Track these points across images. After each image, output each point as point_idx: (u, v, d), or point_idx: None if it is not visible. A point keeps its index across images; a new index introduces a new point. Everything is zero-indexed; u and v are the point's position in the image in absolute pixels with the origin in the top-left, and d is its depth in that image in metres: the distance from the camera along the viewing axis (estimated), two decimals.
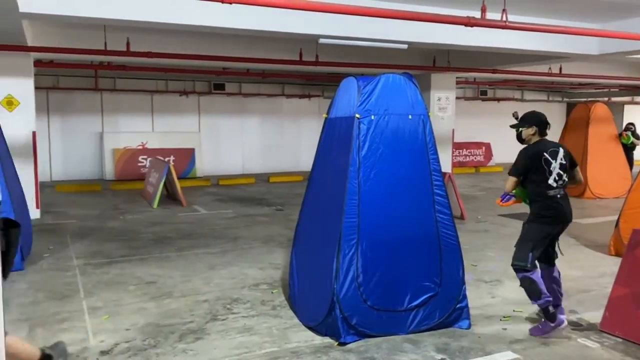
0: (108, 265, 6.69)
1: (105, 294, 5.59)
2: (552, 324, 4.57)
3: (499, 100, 20.52)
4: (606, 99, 21.39)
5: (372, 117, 4.58)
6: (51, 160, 15.30)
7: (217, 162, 17.06)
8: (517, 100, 20.96)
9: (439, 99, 13.34)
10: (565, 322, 4.67)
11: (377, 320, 4.51)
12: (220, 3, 5.38)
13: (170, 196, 12.08)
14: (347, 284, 4.41)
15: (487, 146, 20.60)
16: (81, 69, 13.10)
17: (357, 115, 4.55)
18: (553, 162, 4.55)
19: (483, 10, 5.60)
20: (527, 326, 4.78)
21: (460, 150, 20.13)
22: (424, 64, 11.92)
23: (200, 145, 16.82)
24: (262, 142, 17.69)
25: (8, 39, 7.76)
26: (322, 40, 7.32)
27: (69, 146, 15.47)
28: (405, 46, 7.92)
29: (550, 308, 4.53)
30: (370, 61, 10.77)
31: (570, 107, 21.29)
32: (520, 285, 4.63)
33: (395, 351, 4.27)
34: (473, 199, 12.27)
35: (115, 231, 8.74)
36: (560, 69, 12.64)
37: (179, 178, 15.57)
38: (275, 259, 7.01)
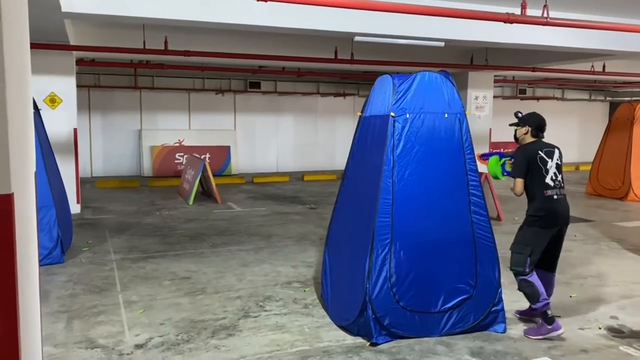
0: (144, 260, 6.81)
1: (141, 289, 5.69)
2: (550, 327, 4.47)
3: (538, 99, 20.03)
4: None
5: (408, 115, 4.52)
6: (92, 156, 15.70)
7: (252, 160, 17.21)
8: (557, 99, 20.43)
9: (476, 98, 13.11)
10: (562, 329, 4.51)
11: (409, 321, 4.45)
12: (256, 1, 5.42)
13: (205, 193, 12.24)
14: (380, 284, 4.36)
15: None
16: (121, 68, 13.38)
17: (392, 114, 4.49)
18: (549, 161, 4.57)
19: (523, 7, 5.45)
20: (566, 331, 4.63)
21: (498, 150, 19.73)
22: (461, 62, 11.72)
23: (236, 143, 16.98)
24: (296, 140, 17.74)
25: (51, 38, 7.99)
26: (357, 38, 7.27)
27: (109, 143, 15.85)
28: (442, 44, 7.80)
29: (549, 312, 4.47)
30: (406, 59, 10.64)
31: (613, 106, 20.61)
32: (519, 289, 4.56)
33: (427, 353, 4.20)
34: (510, 200, 11.95)
35: (152, 227, 8.90)
36: (604, 67, 12.24)
37: (214, 175, 15.86)
38: (308, 257, 7.01)
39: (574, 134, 20.88)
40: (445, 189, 4.58)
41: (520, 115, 4.92)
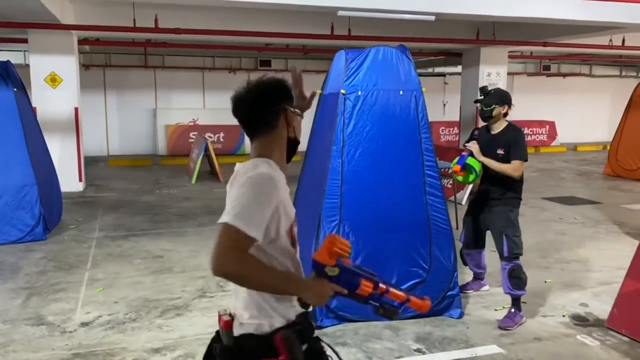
0: (124, 238, 6.87)
1: (109, 266, 5.74)
2: (521, 313, 4.33)
3: (564, 75, 19.24)
4: None
5: (360, 92, 4.36)
6: (108, 135, 15.96)
7: None
8: (585, 75, 19.60)
9: (489, 75, 12.66)
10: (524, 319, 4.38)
11: (358, 304, 4.32)
12: None
13: (213, 172, 12.27)
14: None
15: (551, 125, 19.38)
16: (130, 47, 13.46)
17: (343, 91, 4.33)
18: None
19: None
20: (527, 319, 4.44)
21: (522, 129, 19.10)
22: (469, 37, 11.29)
23: None
24: (310, 119, 17.54)
25: (39, 17, 8.05)
26: (340, 13, 7.05)
27: (125, 122, 16.05)
28: (432, 18, 7.48)
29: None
30: (407, 35, 10.31)
31: None
32: (513, 275, 4.28)
33: (371, 338, 4.09)
34: None
35: (147, 205, 8.98)
36: (623, 40, 11.58)
37: (228, 154, 15.98)
38: None
39: (604, 112, 20.02)
40: (398, 169, 4.41)
41: (486, 90, 4.59)
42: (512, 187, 4.37)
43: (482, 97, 4.49)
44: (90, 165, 13.21)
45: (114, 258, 6.04)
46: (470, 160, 4.35)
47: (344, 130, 4.33)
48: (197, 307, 4.67)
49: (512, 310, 4.36)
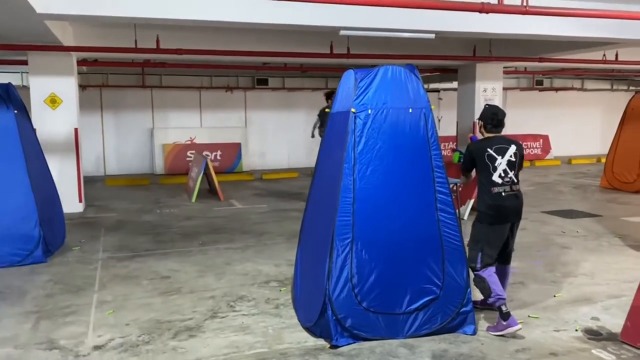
0: (130, 259, 6.84)
1: (117, 288, 5.70)
2: (505, 323, 4.38)
3: (557, 90, 19.47)
4: None
5: (370, 111, 4.39)
6: (105, 155, 15.93)
7: (264, 157, 17.20)
8: (577, 89, 19.85)
9: (485, 90, 12.79)
10: (519, 326, 4.39)
11: (373, 323, 4.33)
12: None
13: (212, 191, 12.26)
14: (341, 284, 4.26)
15: (545, 138, 19.57)
16: (127, 67, 13.51)
17: (353, 110, 4.37)
18: (498, 158, 4.50)
19: None
20: (539, 333, 4.46)
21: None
22: (465, 54, 11.43)
23: (247, 140, 17.00)
24: (307, 136, 17.62)
25: (41, 39, 8.08)
26: (342, 32, 7.13)
27: (122, 142, 16.05)
28: (432, 36, 7.59)
29: (504, 307, 4.39)
30: (405, 52, 10.44)
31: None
32: (474, 284, 4.54)
33: (387, 356, 4.08)
34: None
35: (149, 225, 8.95)
36: (617, 55, 11.77)
37: (225, 172, 15.98)
38: (293, 255, 6.83)
39: (597, 125, 20.25)
40: (410, 186, 4.44)
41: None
42: (479, 200, 4.68)
43: None
44: (88, 185, 13.14)
45: (121, 279, 6.01)
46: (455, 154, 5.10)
47: (355, 148, 4.36)
48: (210, 327, 4.64)
49: (498, 317, 4.45)
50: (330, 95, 9.83)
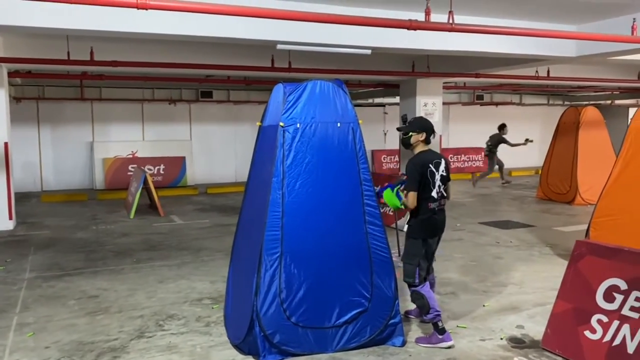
0: (58, 278, 6.56)
1: (41, 309, 5.45)
2: (440, 337, 4.44)
3: (497, 104, 20.15)
4: (609, 102, 20.91)
5: (298, 125, 4.39)
6: (42, 170, 15.33)
7: (210, 171, 16.97)
8: (515, 104, 20.60)
9: (425, 105, 13.09)
10: (452, 342, 4.45)
11: (301, 338, 4.30)
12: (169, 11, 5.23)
13: (152, 206, 11.98)
14: (270, 299, 4.21)
15: None
16: (65, 79, 13.10)
17: (282, 124, 4.37)
18: (436, 173, 4.50)
19: (427, 13, 5.38)
20: (465, 343, 4.54)
21: (459, 156, 19.80)
22: (405, 69, 11.68)
23: (192, 154, 16.76)
24: (250, 150, 17.57)
25: None
26: (279, 46, 7.15)
27: (60, 156, 15.50)
28: (368, 52, 7.71)
29: (440, 323, 4.44)
30: (348, 67, 10.57)
31: None
32: (411, 300, 4.56)
33: None
34: (460, 206, 11.98)
35: (82, 242, 8.64)
36: (548, 72, 12.31)
37: (169, 187, 15.68)
38: None
39: (535, 138, 20.91)
40: (338, 200, 4.45)
41: (407, 118, 4.79)
42: (412, 215, 4.60)
43: (402, 125, 4.72)
44: (22, 201, 12.66)
45: (46, 300, 5.75)
46: (385, 193, 4.66)
47: (284, 162, 4.35)
48: (135, 348, 4.49)
49: (433, 331, 4.50)
50: None
